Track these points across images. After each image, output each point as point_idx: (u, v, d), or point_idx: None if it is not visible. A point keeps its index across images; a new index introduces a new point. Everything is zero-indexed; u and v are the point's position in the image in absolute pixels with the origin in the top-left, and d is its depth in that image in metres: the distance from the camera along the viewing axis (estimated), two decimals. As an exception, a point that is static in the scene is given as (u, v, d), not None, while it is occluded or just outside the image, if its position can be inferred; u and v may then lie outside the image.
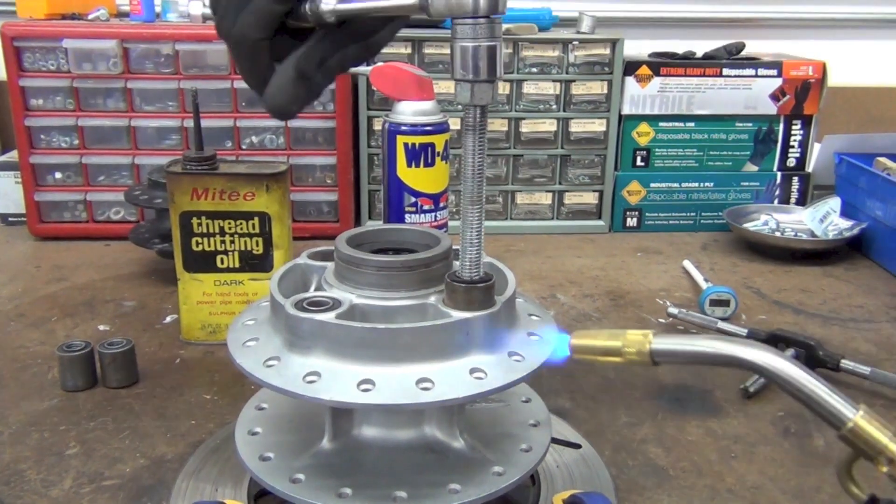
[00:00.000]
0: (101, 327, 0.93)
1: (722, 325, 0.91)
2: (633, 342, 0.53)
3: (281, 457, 0.55)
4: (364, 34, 0.56)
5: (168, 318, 0.95)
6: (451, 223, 1.09)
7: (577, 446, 0.67)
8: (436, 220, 1.00)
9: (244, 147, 1.22)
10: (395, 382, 0.49)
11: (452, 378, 0.50)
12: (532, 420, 0.61)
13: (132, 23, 1.24)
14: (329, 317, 0.50)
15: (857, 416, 0.48)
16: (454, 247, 0.56)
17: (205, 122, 0.91)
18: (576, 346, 0.54)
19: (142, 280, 1.07)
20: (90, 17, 1.26)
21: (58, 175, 1.23)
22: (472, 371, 0.50)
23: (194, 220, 0.84)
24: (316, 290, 0.58)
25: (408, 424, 0.57)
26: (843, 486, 0.50)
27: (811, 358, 0.82)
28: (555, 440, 0.64)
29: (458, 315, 0.51)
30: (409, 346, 0.50)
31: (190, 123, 1.17)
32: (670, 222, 1.34)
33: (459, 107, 0.50)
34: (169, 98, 1.20)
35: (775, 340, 0.85)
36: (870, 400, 0.78)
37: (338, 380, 0.49)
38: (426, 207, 1.00)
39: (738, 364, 0.51)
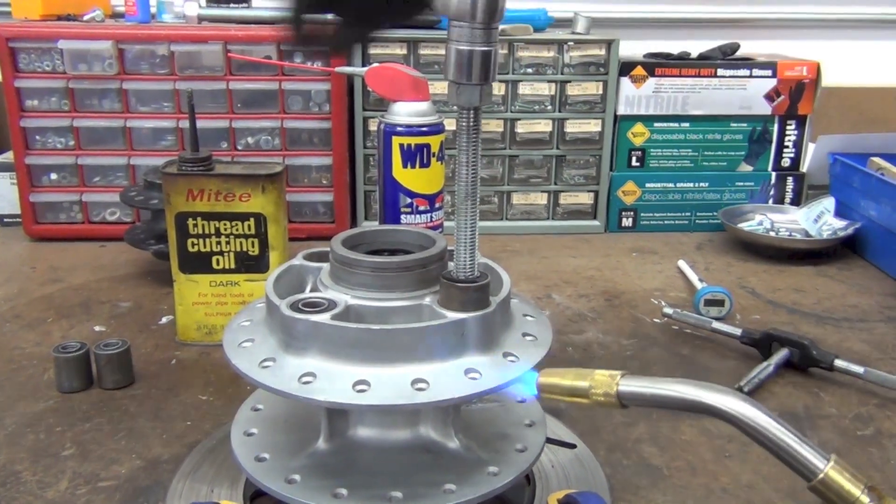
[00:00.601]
0: (97, 328, 0.93)
1: (716, 324, 0.91)
2: (601, 383, 0.52)
3: (276, 457, 0.56)
4: None
5: (164, 319, 0.95)
6: (446, 224, 1.09)
7: (572, 446, 0.68)
8: (431, 221, 1.00)
9: (240, 148, 1.22)
10: (390, 383, 0.49)
11: (447, 378, 0.50)
12: (527, 420, 0.61)
13: (127, 24, 1.24)
14: (324, 318, 0.51)
15: (829, 467, 0.47)
16: (449, 248, 0.56)
17: (200, 123, 0.91)
18: (543, 384, 0.54)
19: (137, 281, 1.07)
20: (85, 18, 1.26)
21: (53, 176, 1.23)
22: (467, 371, 0.50)
23: (190, 221, 0.84)
24: (311, 291, 0.58)
25: (403, 425, 0.57)
26: None
27: (805, 357, 0.83)
28: (550, 440, 0.65)
29: (452, 316, 0.52)
30: (404, 347, 0.50)
31: (185, 124, 1.17)
32: (665, 222, 1.34)
33: (454, 108, 0.51)
34: (164, 99, 1.20)
35: (769, 340, 0.85)
36: (863, 399, 0.79)
37: (333, 381, 0.49)
38: (422, 208, 1.00)
39: (704, 410, 0.50)
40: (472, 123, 0.51)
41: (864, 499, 0.46)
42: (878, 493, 0.47)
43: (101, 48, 1.16)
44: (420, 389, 0.49)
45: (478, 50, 0.48)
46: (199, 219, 0.84)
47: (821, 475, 0.47)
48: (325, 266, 0.58)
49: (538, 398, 0.55)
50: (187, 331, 0.88)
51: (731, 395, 0.49)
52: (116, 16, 1.35)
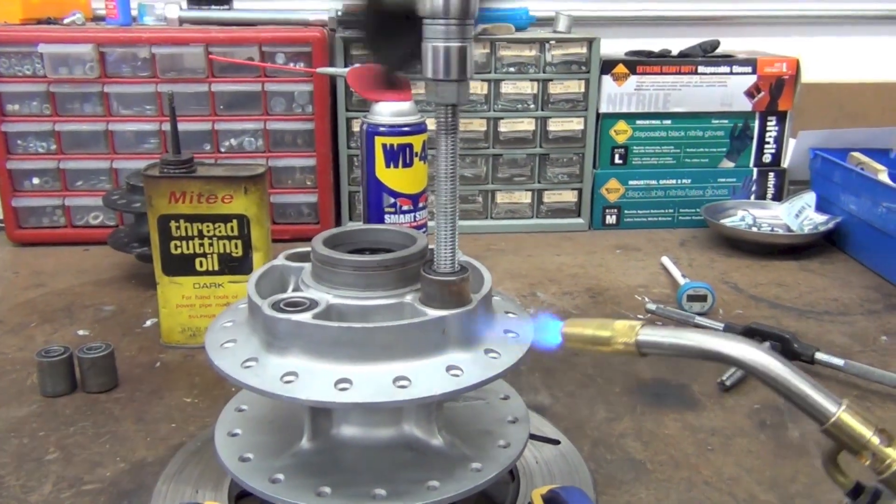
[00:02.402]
0: (81, 332, 0.92)
1: (699, 319, 0.92)
2: (622, 332, 0.55)
3: (260, 457, 0.56)
4: None
5: (148, 322, 0.94)
6: (430, 223, 1.09)
7: (556, 442, 0.68)
8: (415, 221, 1.01)
9: (223, 150, 1.22)
10: (372, 381, 0.49)
11: (429, 376, 0.50)
12: (510, 417, 0.61)
13: (108, 27, 1.24)
14: (306, 317, 0.51)
15: (841, 411, 0.48)
16: (430, 246, 0.56)
17: (183, 126, 0.92)
18: (567, 333, 0.57)
19: (121, 284, 1.07)
20: (66, 21, 1.25)
21: (35, 180, 1.22)
22: (449, 368, 0.51)
23: (172, 224, 0.84)
24: (294, 291, 0.58)
25: (386, 423, 0.57)
26: (830, 475, 0.51)
27: (786, 351, 0.84)
28: (534, 436, 0.65)
29: (433, 313, 0.52)
30: (386, 345, 0.50)
31: (168, 127, 1.17)
32: (649, 219, 1.35)
33: (433, 105, 0.51)
34: (146, 102, 1.20)
35: (751, 334, 0.86)
36: (844, 391, 0.80)
37: (315, 379, 0.49)
38: (405, 208, 1.00)
39: (721, 359, 0.52)
40: (450, 120, 0.51)
41: (875, 439, 0.48)
42: (887, 434, 0.49)
43: (82, 52, 1.16)
44: (402, 387, 0.49)
45: (453, 46, 0.48)
46: (181, 221, 0.84)
47: (833, 418, 0.48)
48: (307, 266, 0.58)
49: (561, 345, 0.57)
50: (171, 333, 0.88)
51: (747, 344, 0.51)
52: (97, 19, 1.35)
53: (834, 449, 0.50)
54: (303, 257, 0.60)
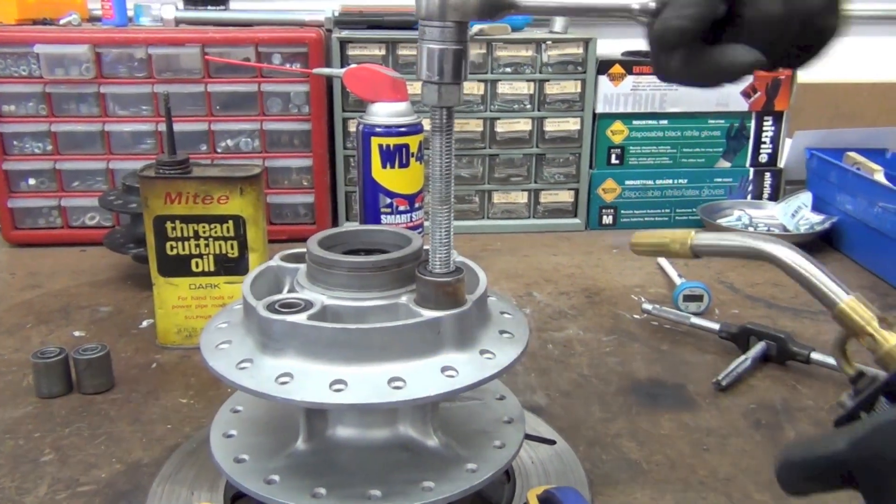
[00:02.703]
0: (77, 333, 0.92)
1: (695, 319, 0.92)
2: (678, 239, 0.67)
3: (256, 458, 0.56)
4: None
5: (144, 323, 0.94)
6: (426, 224, 1.09)
7: (552, 442, 0.68)
8: (411, 221, 1.01)
9: (219, 150, 1.22)
10: (367, 382, 0.49)
11: (424, 377, 0.50)
12: (506, 417, 0.61)
13: (104, 27, 1.24)
14: (301, 318, 0.51)
15: (848, 299, 0.58)
16: (425, 247, 0.56)
17: (179, 126, 0.91)
18: (633, 243, 0.70)
19: (118, 285, 1.07)
20: (62, 21, 1.25)
21: (31, 181, 1.22)
22: (444, 369, 0.51)
23: (168, 225, 0.84)
24: (289, 292, 0.58)
25: (382, 424, 0.57)
26: (837, 362, 0.60)
27: (782, 351, 0.84)
28: (529, 436, 0.65)
29: (429, 314, 0.52)
30: (381, 346, 0.50)
31: (164, 127, 1.17)
32: (645, 219, 1.35)
33: (428, 107, 0.51)
34: (143, 102, 1.20)
35: (747, 334, 0.86)
36: (840, 390, 0.79)
37: (310, 380, 0.49)
38: (401, 208, 1.00)
39: (759, 255, 0.64)
40: (445, 122, 0.51)
41: (875, 323, 0.56)
42: (888, 321, 0.56)
43: (78, 52, 1.16)
44: (397, 388, 0.49)
45: (449, 49, 0.48)
46: (177, 222, 0.84)
47: (841, 304, 0.57)
48: (302, 267, 0.58)
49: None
50: (167, 334, 0.88)
51: (779, 244, 0.63)
52: (93, 19, 1.34)
53: (842, 336, 0.58)
54: (298, 258, 0.60)
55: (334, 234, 0.60)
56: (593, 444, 0.70)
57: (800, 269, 0.61)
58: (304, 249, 0.58)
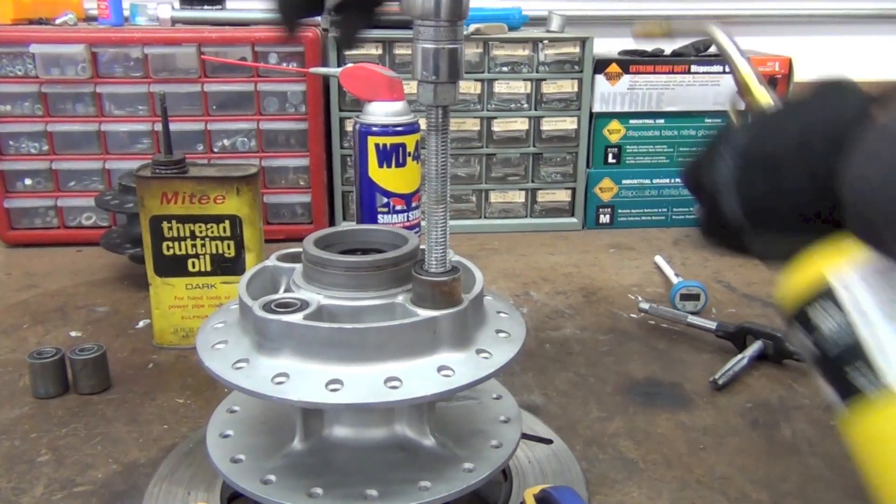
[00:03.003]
0: (73, 334, 0.92)
1: (692, 318, 0.92)
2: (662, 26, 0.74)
3: (252, 458, 0.56)
4: None
5: (141, 323, 0.94)
6: (424, 223, 1.09)
7: (549, 441, 0.68)
8: (408, 221, 1.01)
9: (216, 150, 1.22)
10: (363, 382, 0.49)
11: (421, 376, 0.50)
12: (503, 416, 0.61)
13: (100, 27, 1.24)
14: (297, 318, 0.51)
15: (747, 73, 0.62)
16: (421, 247, 0.56)
17: (175, 126, 0.91)
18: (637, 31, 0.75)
19: (114, 285, 1.06)
20: (57, 21, 1.25)
21: (28, 181, 1.22)
22: (441, 369, 0.51)
23: (165, 225, 0.83)
24: (285, 291, 0.58)
25: (378, 423, 0.57)
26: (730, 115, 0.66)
27: (779, 350, 0.84)
28: (526, 436, 0.65)
29: (425, 314, 0.52)
30: (377, 346, 0.50)
31: (161, 127, 1.17)
32: (642, 218, 1.35)
33: (423, 106, 0.51)
34: (139, 102, 1.20)
35: (744, 333, 0.86)
36: (836, 389, 0.80)
37: (306, 380, 0.49)
38: (398, 208, 1.00)
39: (703, 32, 0.69)
40: (440, 122, 0.51)
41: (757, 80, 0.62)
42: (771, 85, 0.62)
43: (74, 52, 1.16)
44: (393, 388, 0.49)
45: (444, 48, 0.48)
46: (173, 222, 0.83)
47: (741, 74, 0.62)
48: (299, 266, 0.58)
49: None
50: (164, 334, 0.88)
51: (722, 29, 0.67)
52: (89, 19, 1.34)
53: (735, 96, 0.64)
54: (294, 258, 0.60)
55: (330, 234, 0.60)
56: (590, 444, 0.70)
57: (728, 50, 0.65)
58: (301, 249, 0.58)
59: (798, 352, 0.82)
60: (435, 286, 0.52)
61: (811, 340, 0.45)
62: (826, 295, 0.44)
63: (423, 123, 1.03)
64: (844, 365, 0.43)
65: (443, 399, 0.57)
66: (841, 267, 0.44)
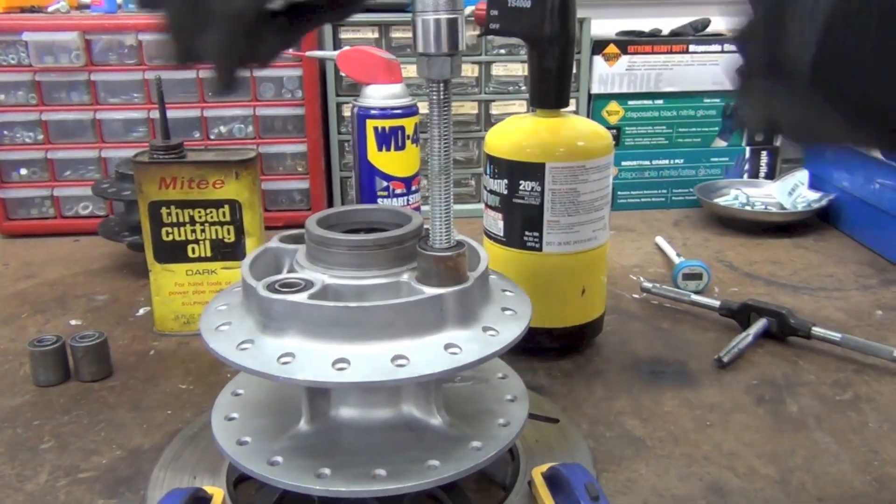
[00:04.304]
0: (73, 322, 0.91)
1: (695, 297, 0.91)
2: None
3: (258, 440, 0.55)
4: None
5: (141, 311, 0.94)
6: (424, 207, 1.09)
7: (555, 420, 0.68)
8: (408, 204, 1.00)
9: (212, 137, 1.21)
10: (369, 360, 0.49)
11: (427, 354, 0.50)
12: (509, 395, 0.61)
13: (93, 14, 1.22)
14: (302, 297, 0.50)
15: None
16: (425, 226, 0.56)
17: (171, 113, 0.90)
18: None
19: (113, 274, 1.06)
20: (50, 9, 1.24)
21: (23, 171, 1.21)
22: (447, 346, 0.50)
23: (164, 210, 0.83)
24: (288, 272, 0.57)
25: (385, 403, 0.57)
26: None
27: (783, 326, 0.84)
28: (533, 415, 0.64)
29: (431, 291, 0.51)
30: (383, 324, 0.50)
31: (156, 115, 1.16)
32: (642, 200, 1.35)
33: (426, 81, 0.50)
34: (134, 90, 1.19)
35: (748, 311, 0.86)
36: (841, 365, 0.80)
37: (312, 360, 0.49)
38: (398, 191, 0.99)
39: None
40: (442, 96, 0.51)
41: None
42: None
43: (67, 39, 1.14)
44: (400, 366, 0.49)
45: (443, 18, 0.48)
46: (172, 207, 0.83)
47: None
48: (301, 248, 0.58)
49: None
50: (165, 321, 0.87)
51: None
52: (82, 6, 1.33)
53: None
54: (296, 239, 0.60)
55: (333, 214, 0.59)
56: (596, 422, 0.70)
57: None
58: (303, 231, 0.58)
59: (802, 329, 0.82)
60: (440, 261, 0.51)
61: None
62: None
63: (422, 106, 1.02)
64: None
65: (450, 377, 0.57)
66: None
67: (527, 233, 0.76)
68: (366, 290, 0.53)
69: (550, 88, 0.77)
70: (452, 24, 0.48)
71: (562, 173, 0.74)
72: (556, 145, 0.74)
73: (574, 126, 0.77)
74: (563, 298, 0.78)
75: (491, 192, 0.79)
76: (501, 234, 0.78)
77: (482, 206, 0.82)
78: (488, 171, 0.79)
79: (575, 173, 0.74)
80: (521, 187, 0.75)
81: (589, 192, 0.76)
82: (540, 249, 0.76)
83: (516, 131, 0.78)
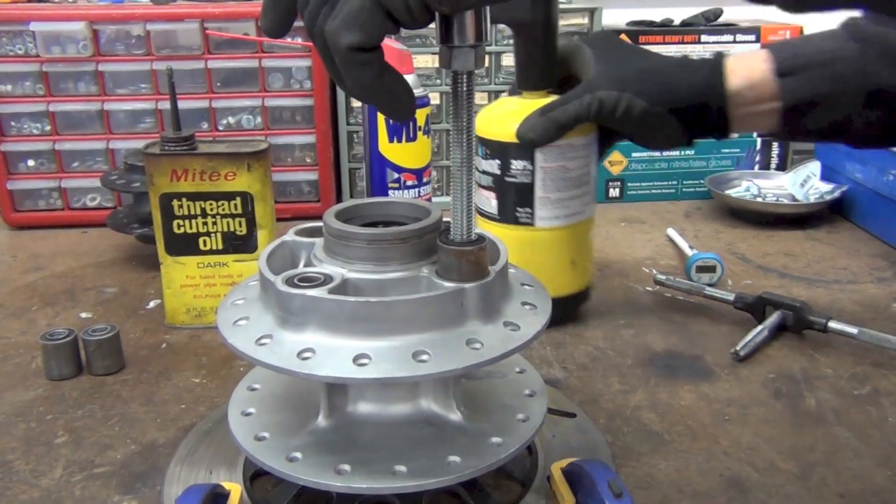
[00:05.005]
0: (83, 315, 0.91)
1: (710, 290, 0.91)
2: None
3: (276, 436, 0.55)
4: None
5: (151, 304, 0.93)
6: (434, 199, 1.08)
7: (572, 415, 0.67)
8: (420, 196, 1.00)
9: (221, 128, 1.20)
10: (391, 356, 0.48)
11: (449, 349, 0.49)
12: (527, 390, 0.60)
13: (101, 4, 1.21)
14: (321, 292, 0.50)
15: None
16: (444, 219, 0.55)
17: (179, 104, 0.89)
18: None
19: (122, 266, 1.05)
20: (56, -1, 1.23)
21: (30, 162, 1.20)
22: (469, 342, 0.50)
23: (175, 203, 0.82)
24: (305, 266, 0.57)
25: (404, 398, 0.56)
26: None
27: (799, 320, 0.83)
28: (550, 410, 0.64)
29: (451, 286, 0.51)
30: (404, 319, 0.49)
31: (165, 105, 1.15)
32: (652, 192, 1.34)
33: (440, 79, 0.49)
34: (142, 80, 1.18)
35: (763, 304, 0.85)
36: (858, 359, 0.79)
37: (333, 355, 0.48)
38: (409, 183, 0.99)
39: None
40: (465, 88, 0.50)
41: None
42: None
43: (75, 29, 1.13)
44: (422, 361, 0.48)
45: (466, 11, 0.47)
46: (184, 199, 0.82)
47: None
48: (318, 241, 0.57)
49: None
50: (176, 314, 0.87)
51: None
52: (88, -4, 1.32)
53: None
54: (312, 233, 0.59)
55: (350, 207, 0.58)
56: (613, 417, 0.69)
57: None
58: (319, 224, 0.57)
59: (818, 322, 0.82)
60: (462, 255, 0.51)
61: None
62: None
63: (433, 97, 1.01)
64: None
65: (472, 372, 0.56)
66: None
67: (519, 209, 0.81)
68: (385, 285, 0.52)
69: (536, 72, 0.82)
70: (478, 14, 0.47)
71: (552, 152, 0.79)
72: None
73: None
74: (555, 270, 0.83)
75: (483, 172, 0.82)
76: (495, 211, 0.83)
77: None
78: (480, 153, 0.83)
79: (563, 151, 0.79)
80: (513, 166, 0.80)
81: (576, 168, 0.81)
82: (532, 224, 0.82)
83: (506, 114, 0.81)
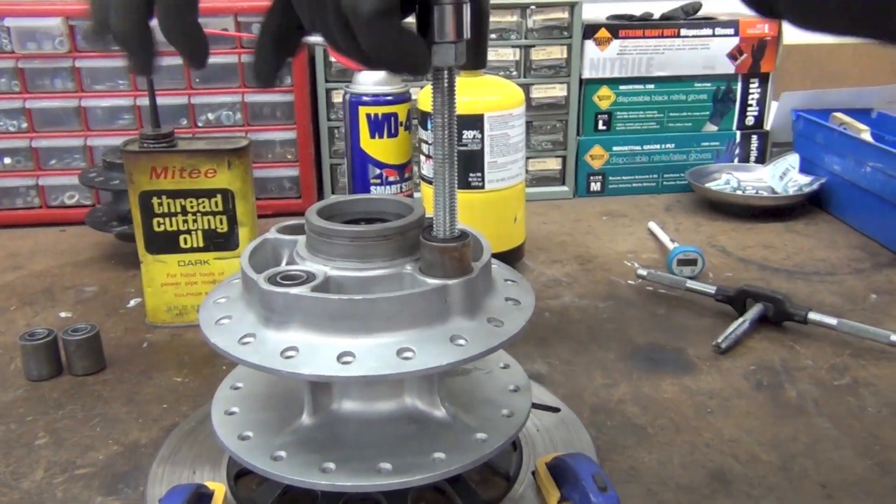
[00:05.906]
0: (63, 314, 0.90)
1: (691, 283, 0.91)
2: None
3: (260, 435, 0.54)
4: None
5: (132, 302, 0.92)
6: (416, 195, 1.08)
7: (556, 410, 0.67)
8: (402, 192, 0.99)
9: (200, 125, 1.19)
10: (375, 354, 0.48)
11: (433, 346, 0.49)
12: (512, 386, 0.60)
13: (76, -1, 1.20)
14: (304, 290, 0.49)
15: None
16: (427, 215, 0.55)
17: (158, 101, 0.89)
18: None
19: (101, 265, 1.04)
20: (31, -6, 1.21)
21: (7, 160, 1.18)
22: (453, 338, 0.50)
23: (155, 200, 0.81)
24: (288, 264, 0.56)
25: (388, 396, 0.56)
26: None
27: (780, 312, 0.84)
28: (534, 405, 0.64)
29: (435, 282, 0.51)
30: (388, 316, 0.49)
31: (143, 101, 1.14)
32: (633, 185, 1.34)
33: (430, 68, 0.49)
34: (119, 76, 1.16)
35: (744, 296, 0.86)
36: (838, 350, 0.80)
37: (317, 354, 0.48)
38: (391, 179, 0.99)
39: None
40: (447, 84, 0.50)
41: None
42: None
43: (51, 25, 1.12)
44: (406, 358, 0.48)
45: (448, 4, 0.46)
46: (164, 197, 0.81)
47: None
48: (301, 239, 0.57)
49: None
50: (157, 313, 0.86)
51: None
52: (64, -8, 1.30)
53: None
54: (295, 230, 0.59)
55: (332, 204, 0.58)
56: (597, 411, 0.70)
57: None
58: (301, 221, 0.57)
59: (798, 314, 0.82)
60: (445, 252, 0.51)
61: None
62: None
63: (414, 93, 1.00)
64: None
65: (456, 368, 0.56)
66: None
67: (471, 174, 0.92)
68: (369, 282, 0.52)
69: (470, 51, 0.86)
70: (458, 10, 0.47)
71: (497, 121, 0.91)
72: (489, 98, 0.91)
73: (493, 83, 0.95)
74: (502, 227, 0.96)
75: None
76: None
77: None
78: (429, 127, 0.90)
79: (506, 120, 0.92)
80: (464, 136, 0.91)
81: (516, 135, 0.94)
82: (482, 187, 0.93)
83: None
